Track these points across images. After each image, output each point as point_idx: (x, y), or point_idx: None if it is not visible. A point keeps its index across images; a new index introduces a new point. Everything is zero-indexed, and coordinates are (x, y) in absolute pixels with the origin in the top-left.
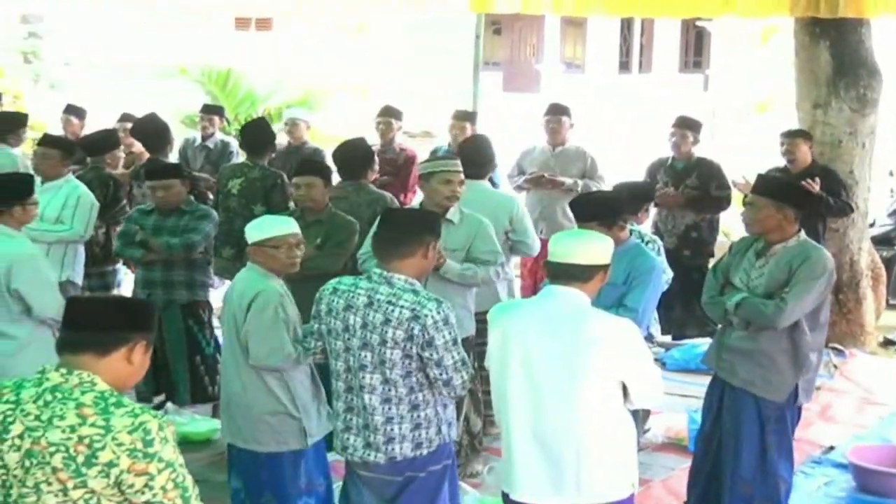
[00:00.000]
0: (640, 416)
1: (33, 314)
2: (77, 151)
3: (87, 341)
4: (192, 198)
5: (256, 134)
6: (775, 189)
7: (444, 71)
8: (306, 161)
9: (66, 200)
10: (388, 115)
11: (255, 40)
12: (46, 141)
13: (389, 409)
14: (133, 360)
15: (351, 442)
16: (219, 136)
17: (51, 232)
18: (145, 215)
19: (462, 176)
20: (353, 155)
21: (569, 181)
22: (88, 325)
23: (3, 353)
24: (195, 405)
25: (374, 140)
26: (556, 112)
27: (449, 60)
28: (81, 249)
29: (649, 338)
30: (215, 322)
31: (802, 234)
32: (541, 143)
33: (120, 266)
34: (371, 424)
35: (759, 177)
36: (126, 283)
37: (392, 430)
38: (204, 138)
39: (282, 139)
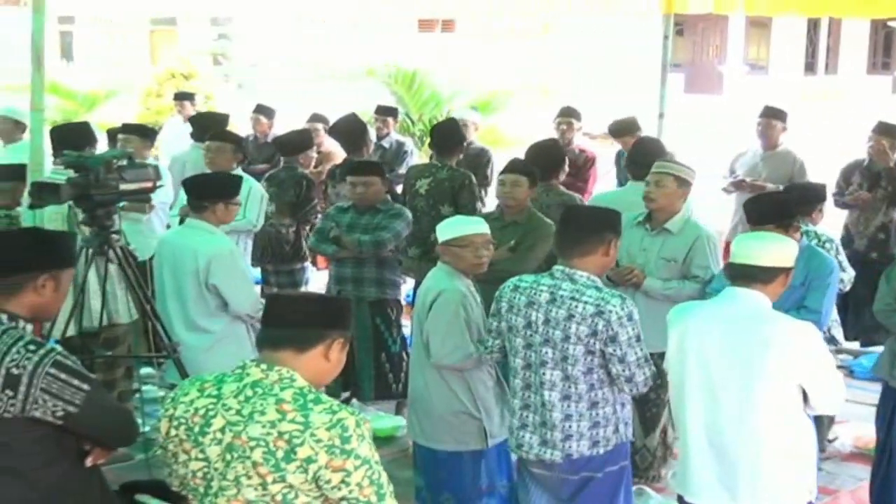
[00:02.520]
0: (825, 424)
1: (229, 309)
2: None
3: (286, 337)
4: (388, 197)
5: (447, 135)
6: None
7: (626, 72)
8: (516, 160)
9: None
10: (569, 115)
11: (439, 41)
12: (220, 135)
13: (568, 406)
14: (330, 357)
15: (526, 440)
16: (394, 136)
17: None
18: (342, 212)
19: (662, 178)
20: (546, 157)
21: (770, 186)
22: (288, 321)
23: (199, 346)
24: (378, 402)
25: None
26: (767, 115)
27: (631, 61)
28: (250, 242)
29: (831, 340)
30: (404, 320)
31: None
32: (755, 146)
33: (308, 264)
34: (549, 422)
35: None
36: (314, 280)
37: (570, 427)
38: (379, 138)
39: None
